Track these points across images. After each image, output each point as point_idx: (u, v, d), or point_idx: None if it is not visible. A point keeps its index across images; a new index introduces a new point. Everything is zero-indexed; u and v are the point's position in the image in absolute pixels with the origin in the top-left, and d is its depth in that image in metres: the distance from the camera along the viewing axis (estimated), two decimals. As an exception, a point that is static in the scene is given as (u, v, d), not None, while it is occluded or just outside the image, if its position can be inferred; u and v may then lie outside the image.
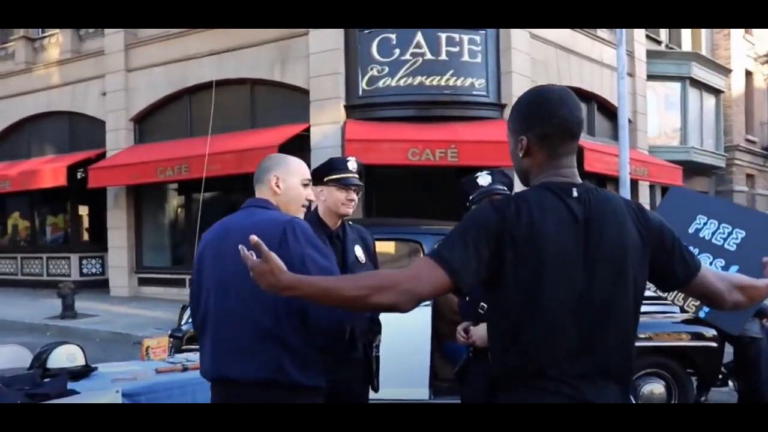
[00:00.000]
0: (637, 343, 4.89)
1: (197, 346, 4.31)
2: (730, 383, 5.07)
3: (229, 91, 11.96)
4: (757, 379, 4.84)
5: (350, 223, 2.94)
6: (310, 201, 2.32)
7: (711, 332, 4.83)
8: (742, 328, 4.86)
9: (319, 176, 2.77)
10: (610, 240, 1.53)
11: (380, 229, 4.76)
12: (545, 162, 1.60)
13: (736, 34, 19.94)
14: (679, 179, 13.78)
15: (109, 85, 13.27)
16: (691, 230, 2.46)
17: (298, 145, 10.85)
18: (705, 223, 2.48)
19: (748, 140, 20.29)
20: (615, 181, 10.22)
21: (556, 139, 1.58)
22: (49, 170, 13.16)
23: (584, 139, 12.30)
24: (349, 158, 2.83)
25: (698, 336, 4.85)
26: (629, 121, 13.83)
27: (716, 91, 17.43)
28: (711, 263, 2.46)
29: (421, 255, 4.66)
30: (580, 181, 1.60)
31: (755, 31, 21.41)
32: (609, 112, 13.66)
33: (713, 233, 2.47)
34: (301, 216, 2.28)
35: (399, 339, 4.26)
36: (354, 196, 2.79)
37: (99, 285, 13.77)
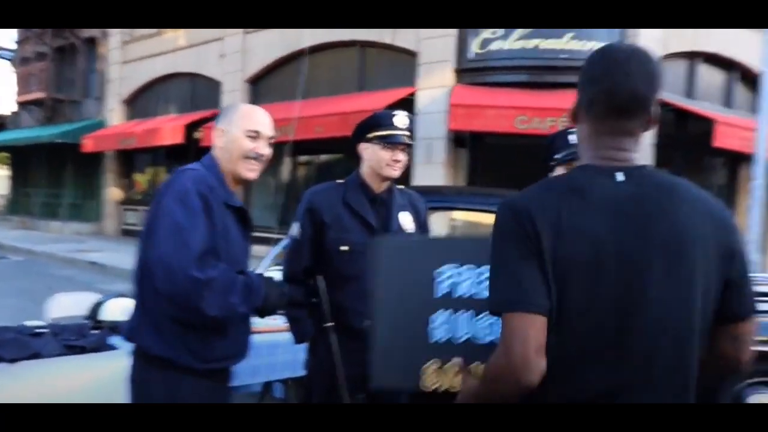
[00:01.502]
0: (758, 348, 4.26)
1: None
2: None
3: (339, 54, 11.90)
4: None
5: (401, 187, 2.65)
6: (260, 155, 2.06)
7: None
8: None
9: (362, 132, 2.50)
10: (665, 229, 1.23)
11: (464, 199, 4.44)
12: (589, 137, 1.34)
13: None
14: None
15: (228, 47, 13.66)
16: (438, 294, 1.62)
17: (405, 109, 10.60)
18: (448, 276, 1.64)
19: None
20: (750, 159, 9.10)
21: (601, 109, 1.30)
22: (169, 128, 13.86)
23: (718, 112, 11.10)
24: (397, 112, 2.50)
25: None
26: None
27: None
28: (480, 322, 1.62)
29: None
30: (634, 164, 1.31)
31: None
32: (752, 81, 12.22)
33: (460, 283, 1.63)
34: (252, 174, 2.07)
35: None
36: (401, 156, 2.47)
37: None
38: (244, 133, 2.05)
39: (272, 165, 14.09)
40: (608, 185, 1.27)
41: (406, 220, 2.55)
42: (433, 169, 9.92)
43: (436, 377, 1.60)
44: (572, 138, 2.40)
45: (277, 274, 4.42)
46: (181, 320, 1.88)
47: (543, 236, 1.22)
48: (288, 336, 2.57)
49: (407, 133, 2.49)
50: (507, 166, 10.53)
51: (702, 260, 1.24)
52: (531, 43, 9.91)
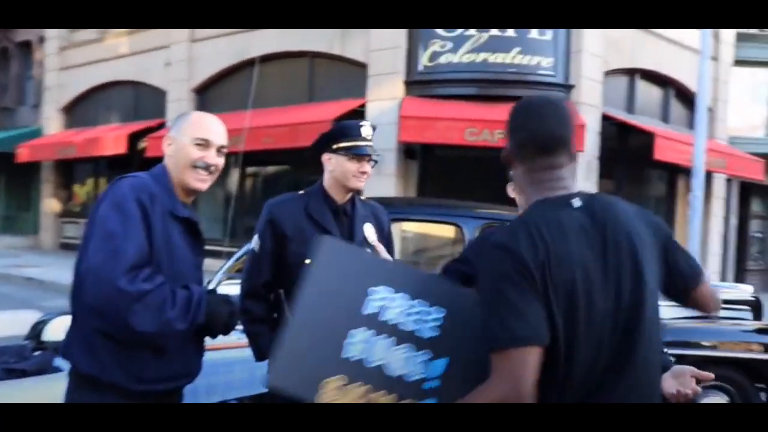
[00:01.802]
0: (699, 352, 4.38)
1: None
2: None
3: (289, 64, 11.81)
4: None
5: (362, 198, 2.60)
6: (209, 164, 1.98)
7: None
8: None
9: (327, 142, 2.43)
10: (624, 240, 1.42)
11: (417, 210, 4.45)
12: (525, 175, 1.53)
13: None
14: (760, 173, 12.77)
15: (174, 56, 13.37)
16: (365, 311, 1.58)
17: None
18: (381, 297, 1.59)
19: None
20: (687, 172, 9.49)
21: (530, 150, 1.50)
22: (111, 138, 13.45)
23: (656, 126, 11.52)
24: (364, 122, 2.44)
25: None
26: (708, 109, 12.95)
27: (809, 80, 16.04)
28: (397, 353, 1.57)
29: (460, 239, 4.31)
30: (570, 190, 1.49)
31: None
32: (686, 98, 12.74)
33: (390, 308, 1.60)
34: (201, 184, 2.00)
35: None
36: (367, 168, 2.41)
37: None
38: (192, 141, 1.95)
39: (220, 176, 13.88)
40: (571, 213, 1.42)
41: (369, 232, 2.50)
42: (384, 181, 9.92)
43: (336, 394, 1.51)
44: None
45: (230, 288, 4.31)
46: (113, 336, 1.75)
47: (537, 273, 1.33)
48: (247, 352, 2.49)
49: (372, 144, 2.45)
50: (457, 178, 10.66)
51: (651, 258, 1.46)
52: (480, 57, 10.06)
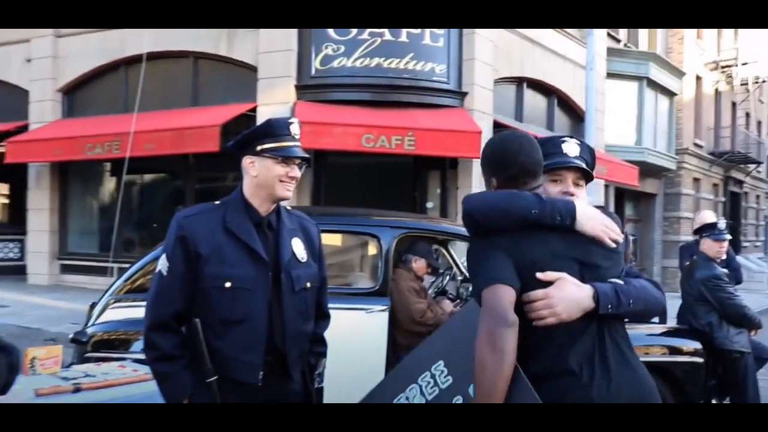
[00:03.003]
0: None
1: (106, 354, 3.60)
2: (714, 402, 4.64)
3: (170, 65, 11.01)
4: (744, 397, 4.42)
5: (288, 208, 2.23)
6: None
7: (693, 346, 4.38)
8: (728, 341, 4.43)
9: (250, 143, 2.04)
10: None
11: (329, 220, 4.08)
12: None
13: (689, 38, 20.02)
14: (635, 179, 13.59)
15: (35, 51, 12.08)
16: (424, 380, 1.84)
17: (245, 126, 10.02)
18: (407, 399, 1.90)
19: (696, 144, 20.45)
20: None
21: (522, 180, 1.80)
22: (-39, 142, 11.88)
23: (543, 133, 11.90)
24: (293, 120, 2.09)
25: (676, 350, 4.38)
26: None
27: (670, 94, 17.40)
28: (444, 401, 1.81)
29: (376, 251, 4.00)
30: None
31: (705, 37, 21.60)
32: (568, 107, 13.33)
33: (423, 393, 1.82)
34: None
35: (348, 351, 3.61)
36: (297, 173, 2.06)
37: (16, 271, 12.56)
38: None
39: (93, 185, 12.78)
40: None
41: (299, 248, 2.14)
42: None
43: None
44: (565, 147, 2.05)
45: (118, 312, 3.71)
46: None
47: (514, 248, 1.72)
48: (153, 390, 2.04)
49: (300, 144, 2.09)
50: (351, 185, 10.39)
51: None
52: (373, 62, 9.86)
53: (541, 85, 12.43)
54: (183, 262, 1.97)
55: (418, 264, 4.21)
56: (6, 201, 13.70)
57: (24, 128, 11.99)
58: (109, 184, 12.68)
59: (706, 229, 4.50)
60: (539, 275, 1.67)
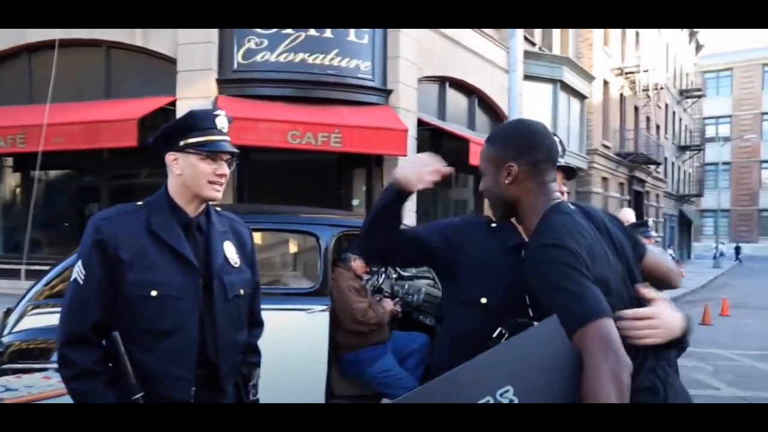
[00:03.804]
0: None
1: (25, 365, 3.32)
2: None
3: (79, 54, 10.39)
4: None
5: (218, 209, 2.07)
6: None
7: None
8: None
9: (172, 138, 1.88)
10: (621, 239, 1.69)
11: (265, 218, 3.95)
12: (537, 189, 1.66)
13: (598, 44, 21.02)
14: (550, 178, 14.07)
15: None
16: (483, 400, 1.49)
17: (163, 120, 9.63)
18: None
19: (604, 145, 21.51)
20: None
21: (546, 166, 1.66)
22: None
23: (468, 133, 12.13)
24: (219, 111, 1.92)
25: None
26: (506, 117, 13.98)
27: (582, 97, 18.21)
28: None
29: (315, 250, 3.91)
30: (561, 197, 1.73)
31: (611, 43, 22.75)
32: (488, 107, 13.65)
33: None
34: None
35: (289, 352, 3.52)
36: (226, 170, 1.90)
37: None
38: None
39: (-7, 182, 11.89)
40: (577, 216, 1.63)
41: (231, 253, 1.98)
42: (198, 186, 9.10)
43: None
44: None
45: (38, 319, 3.44)
46: None
47: (587, 265, 1.49)
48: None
49: (228, 138, 1.93)
50: (275, 183, 10.18)
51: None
52: (297, 57, 9.71)
53: (462, 85, 12.65)
54: (101, 268, 1.78)
55: (357, 263, 4.16)
56: None
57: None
58: (11, 180, 11.84)
59: (640, 227, 4.70)
60: (641, 290, 1.58)
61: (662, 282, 1.81)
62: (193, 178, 1.86)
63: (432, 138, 11.54)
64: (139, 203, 1.92)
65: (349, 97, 9.95)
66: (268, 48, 9.66)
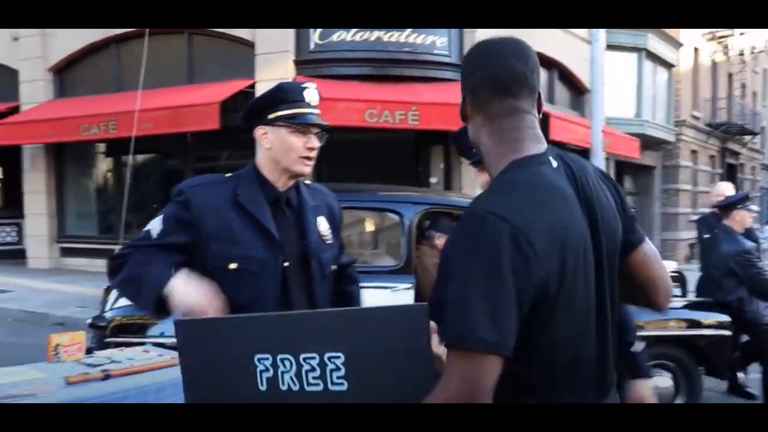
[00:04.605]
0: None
1: (126, 339, 3.47)
2: (741, 374, 4.59)
3: (163, 42, 10.73)
4: None
5: (308, 183, 2.01)
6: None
7: (718, 319, 4.31)
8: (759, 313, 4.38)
9: (261, 111, 1.83)
10: (608, 216, 1.27)
11: (348, 196, 3.95)
12: (485, 124, 1.30)
13: (687, 8, 19.84)
14: (636, 152, 13.50)
15: (23, 29, 11.75)
16: (263, 386, 1.31)
17: (243, 103, 9.83)
18: (274, 365, 1.31)
19: (693, 116, 20.38)
20: (578, 152, 9.67)
21: (486, 93, 1.28)
22: (-48, 124, 11.58)
23: (547, 107, 11.76)
24: (308, 84, 1.85)
25: (696, 323, 4.30)
26: (587, 90, 13.46)
27: (669, 65, 17.28)
28: None
29: (398, 227, 3.88)
30: (545, 146, 1.28)
31: (702, 7, 21.42)
32: (569, 80, 13.18)
33: (300, 377, 1.29)
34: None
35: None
36: (316, 143, 1.83)
37: (14, 255, 12.37)
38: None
39: (88, 167, 12.55)
40: (554, 175, 1.22)
41: (323, 228, 1.94)
42: (278, 167, 9.28)
43: None
44: None
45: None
46: None
47: (538, 246, 1.11)
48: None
49: (318, 111, 1.87)
50: (353, 162, 10.23)
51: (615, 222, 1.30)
52: (373, 36, 9.67)
53: (541, 58, 12.01)
54: (180, 232, 1.76)
55: (441, 240, 4.10)
56: (2, 184, 13.44)
57: (15, 109, 11.71)
58: (103, 165, 12.46)
59: (741, 201, 4.41)
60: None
61: (644, 293, 1.39)
62: (283, 151, 1.82)
63: (510, 113, 11.27)
64: (228, 175, 1.89)
65: (426, 73, 9.83)
66: (344, 28, 9.66)
